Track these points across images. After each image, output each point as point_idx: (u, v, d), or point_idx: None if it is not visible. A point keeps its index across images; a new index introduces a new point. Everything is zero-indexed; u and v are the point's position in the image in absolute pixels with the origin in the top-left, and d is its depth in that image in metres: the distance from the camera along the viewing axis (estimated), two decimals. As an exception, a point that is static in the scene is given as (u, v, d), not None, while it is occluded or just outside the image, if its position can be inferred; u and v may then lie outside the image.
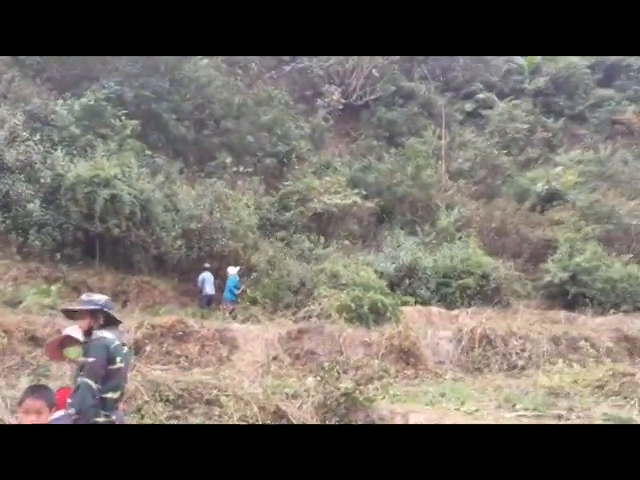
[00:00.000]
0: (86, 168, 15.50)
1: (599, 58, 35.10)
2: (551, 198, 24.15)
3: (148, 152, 18.92)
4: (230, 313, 15.20)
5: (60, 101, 18.21)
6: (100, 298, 4.73)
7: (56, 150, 16.18)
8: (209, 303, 16.29)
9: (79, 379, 4.38)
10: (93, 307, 4.61)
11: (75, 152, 16.61)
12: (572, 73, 32.52)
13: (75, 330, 4.74)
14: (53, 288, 13.19)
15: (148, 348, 11.32)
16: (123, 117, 18.52)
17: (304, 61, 29.48)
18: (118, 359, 4.49)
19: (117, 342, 4.55)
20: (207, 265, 16.42)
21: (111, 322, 4.68)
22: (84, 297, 4.77)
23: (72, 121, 17.73)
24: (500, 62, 35.26)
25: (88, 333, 4.57)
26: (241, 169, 20.88)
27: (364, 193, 21.81)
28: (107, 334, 4.53)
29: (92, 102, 18.23)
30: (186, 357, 11.40)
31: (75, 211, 15.07)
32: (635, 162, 26.94)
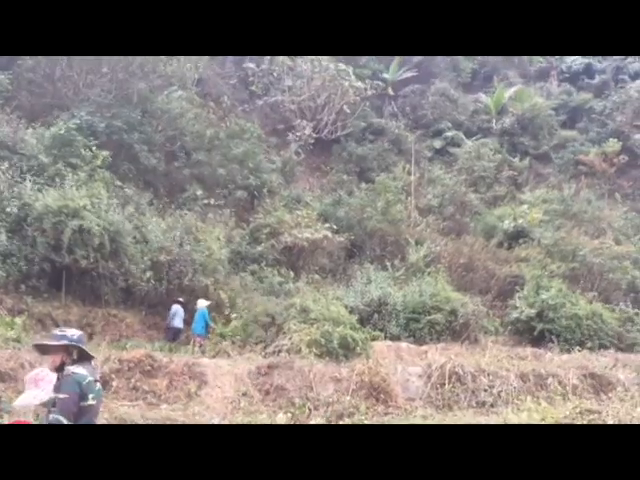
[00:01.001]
0: (54, 198, 15.29)
1: (562, 100, 36.38)
2: (517, 235, 24.60)
3: (118, 183, 18.78)
4: (199, 347, 14.99)
5: (30, 130, 18.05)
6: (74, 333, 4.64)
7: (24, 179, 15.96)
8: (176, 337, 16.05)
9: (51, 416, 4.26)
10: (66, 342, 4.51)
11: (43, 182, 16.40)
12: (537, 114, 33.52)
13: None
14: (17, 320, 12.87)
15: (115, 383, 11.06)
16: (94, 147, 18.38)
17: (276, 95, 29.84)
18: (90, 396, 4.39)
19: (90, 378, 4.45)
20: (180, 299, 16.23)
21: (84, 357, 4.58)
22: (57, 332, 4.67)
23: (41, 150, 17.55)
24: (467, 101, 36.21)
25: (60, 369, 4.47)
26: (212, 202, 20.84)
27: (335, 227, 21.92)
28: (80, 370, 4.43)
29: (62, 131, 18.08)
30: (154, 393, 11.17)
31: (42, 242, 14.79)
32: (598, 202, 27.72)
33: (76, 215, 15.21)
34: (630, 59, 39.01)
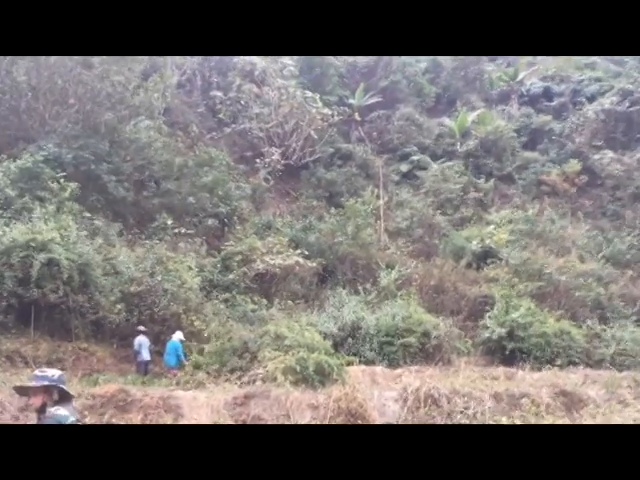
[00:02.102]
0: (22, 232, 15.09)
1: (523, 122, 37.39)
2: (486, 256, 25.03)
3: (87, 214, 18.63)
4: (173, 379, 14.81)
5: (-5, 163, 17.83)
6: (54, 373, 4.61)
7: (-10, 213, 15.72)
8: (146, 370, 15.79)
9: None
10: (47, 383, 4.49)
11: (10, 215, 16.19)
12: (499, 137, 34.36)
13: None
14: (-15, 358, 12.56)
15: (88, 420, 10.84)
16: (61, 179, 18.22)
17: (244, 122, 30.04)
18: None
19: (72, 418, 4.42)
20: (142, 328, 15.94)
21: (65, 398, 4.56)
22: (37, 372, 4.64)
23: (7, 183, 17.33)
24: (432, 125, 36.96)
25: (42, 410, 4.43)
26: (182, 230, 20.78)
27: (306, 253, 22.02)
28: (61, 411, 4.40)
29: (29, 164, 17.92)
30: (128, 428, 10.98)
31: (10, 276, 14.53)
32: (561, 221, 28.43)
33: (44, 248, 15.02)
34: (586, 81, 40.41)
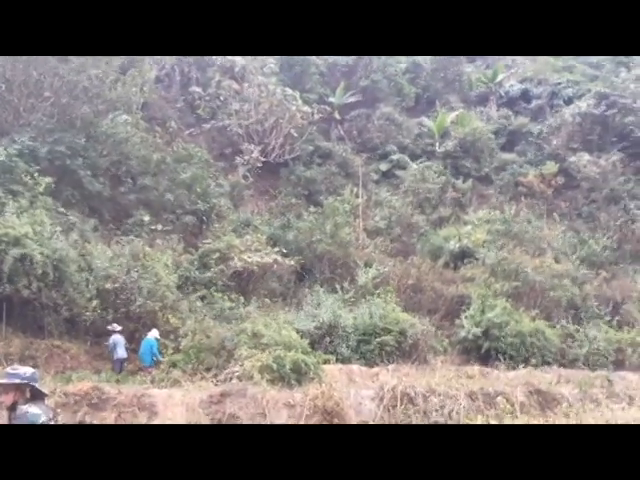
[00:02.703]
0: (-6, 226, 14.80)
1: (501, 124, 37.73)
2: (463, 255, 25.21)
3: (61, 209, 18.35)
4: (148, 377, 14.66)
5: (-33, 156, 17.46)
6: (26, 371, 4.53)
7: (-38, 207, 15.40)
8: (122, 367, 15.63)
9: None
10: (19, 381, 4.40)
11: (-18, 209, 15.86)
12: (478, 138, 34.62)
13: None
14: (-46, 355, 12.30)
15: (60, 418, 10.65)
16: (35, 173, 17.90)
17: (223, 119, 29.85)
18: None
19: (44, 417, 4.34)
20: (117, 328, 15.74)
21: (37, 396, 4.47)
22: (9, 370, 4.55)
23: (-20, 177, 16.99)
24: (411, 125, 37.10)
25: (13, 408, 4.34)
26: (159, 227, 20.61)
27: (284, 251, 21.95)
28: (33, 409, 4.32)
29: (3, 157, 17.61)
30: (101, 427, 10.84)
31: (-19, 271, 14.25)
32: (537, 222, 28.73)
33: (17, 243, 14.75)
34: (563, 84, 40.91)
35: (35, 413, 4.31)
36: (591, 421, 10.03)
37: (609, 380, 16.26)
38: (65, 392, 11.31)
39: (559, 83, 41.32)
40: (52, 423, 4.50)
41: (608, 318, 22.46)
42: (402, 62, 41.09)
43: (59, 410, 10.91)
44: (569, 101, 38.21)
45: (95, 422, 10.91)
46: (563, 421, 10.37)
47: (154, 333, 15.75)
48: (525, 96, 40.94)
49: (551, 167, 32.50)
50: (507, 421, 11.72)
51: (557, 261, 25.44)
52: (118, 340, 15.53)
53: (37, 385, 4.53)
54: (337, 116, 34.77)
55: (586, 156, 32.75)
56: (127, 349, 15.83)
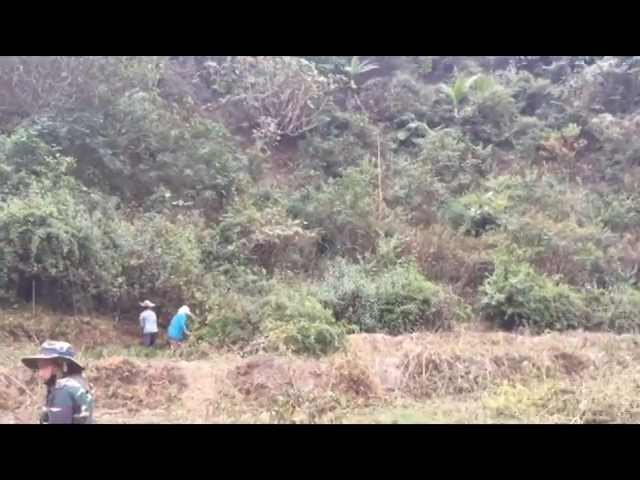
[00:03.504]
0: (20, 207, 15.00)
1: (521, 87, 37.04)
2: (484, 222, 25.05)
3: (84, 188, 18.52)
4: (175, 351, 14.96)
5: (-11, 138, 17.66)
6: (62, 345, 4.65)
7: (-13, 189, 15.63)
8: (152, 341, 15.96)
9: None
10: (56, 355, 4.52)
11: (7, 191, 16.10)
12: (497, 102, 34.07)
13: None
14: (-12, 333, 12.62)
15: (93, 392, 10.94)
16: (57, 153, 18.06)
17: (239, 93, 29.72)
18: (83, 407, 4.40)
19: (82, 390, 4.47)
20: (149, 304, 16.07)
21: (74, 370, 4.60)
22: (46, 345, 4.68)
23: (3, 159, 17.21)
24: (429, 92, 36.59)
25: (51, 382, 4.48)
26: (180, 203, 20.72)
27: (305, 223, 22.00)
28: (71, 382, 4.44)
29: (24, 138, 17.75)
30: (134, 399, 11.11)
31: (9, 252, 14.48)
32: (559, 186, 28.35)
33: (43, 223, 14.95)
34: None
35: (74, 386, 4.44)
36: (619, 382, 10.03)
37: (635, 342, 16.19)
38: (97, 367, 11.57)
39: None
40: (89, 396, 4.63)
41: (633, 280, 22.28)
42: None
43: (91, 384, 11.20)
44: (590, 61, 37.27)
45: (127, 395, 11.19)
46: (590, 383, 10.38)
47: (185, 309, 16.03)
48: (545, 57, 39.94)
49: (573, 129, 31.91)
50: (533, 385, 11.79)
51: (580, 225, 25.17)
52: (148, 315, 15.86)
53: (74, 359, 4.65)
54: (353, 85, 34.37)
55: (609, 117, 32.11)
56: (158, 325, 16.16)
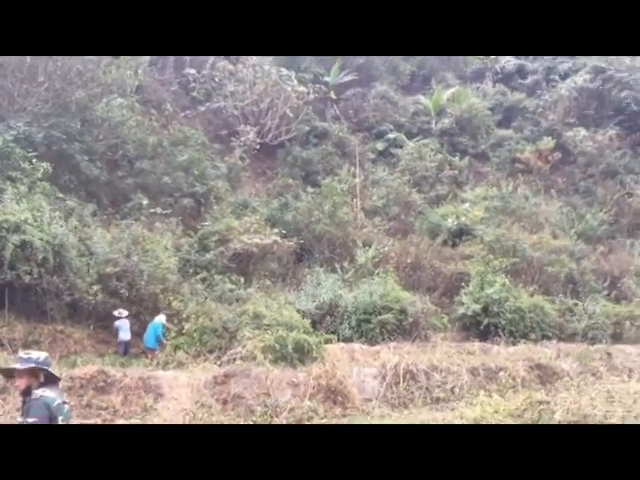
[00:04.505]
0: (-6, 213, 14.79)
1: (497, 100, 37.55)
2: (461, 233, 25.27)
3: (60, 195, 18.33)
4: (151, 360, 14.81)
5: (-36, 143, 17.37)
6: (39, 355, 4.59)
7: (-40, 194, 15.36)
8: (126, 350, 15.77)
9: None
10: (33, 365, 4.45)
11: (-19, 196, 15.83)
12: (474, 115, 34.47)
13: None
14: (-41, 342, 12.36)
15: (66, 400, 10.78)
16: (33, 159, 17.84)
17: (219, 101, 29.67)
18: (60, 418, 4.35)
19: (58, 401, 4.41)
20: (124, 313, 15.89)
21: (51, 380, 4.53)
22: (22, 355, 4.61)
23: (-23, 164, 16.92)
24: (407, 103, 36.90)
25: (27, 392, 4.40)
26: (158, 210, 20.58)
27: (283, 232, 22.00)
28: (48, 393, 4.38)
29: (-1, 144, 17.50)
30: (109, 409, 10.96)
31: (-18, 258, 14.27)
32: (535, 198, 28.76)
33: (17, 230, 14.77)
34: (560, 59, 40.68)
35: (50, 397, 4.38)
36: (593, 393, 10.18)
37: (609, 353, 16.44)
38: (71, 376, 11.40)
39: (555, 58, 41.03)
40: (66, 406, 4.57)
41: (606, 292, 22.65)
42: (397, 39, 40.66)
43: (65, 394, 11.02)
44: (565, 76, 37.98)
45: (102, 405, 11.04)
46: (564, 394, 10.51)
47: (161, 318, 15.90)
48: (521, 72, 40.68)
49: (548, 143, 32.42)
50: (509, 395, 11.89)
51: (555, 237, 25.56)
52: (122, 324, 15.69)
53: (50, 369, 4.59)
54: (333, 96, 34.52)
55: (582, 131, 32.68)
56: (131, 332, 15.97)
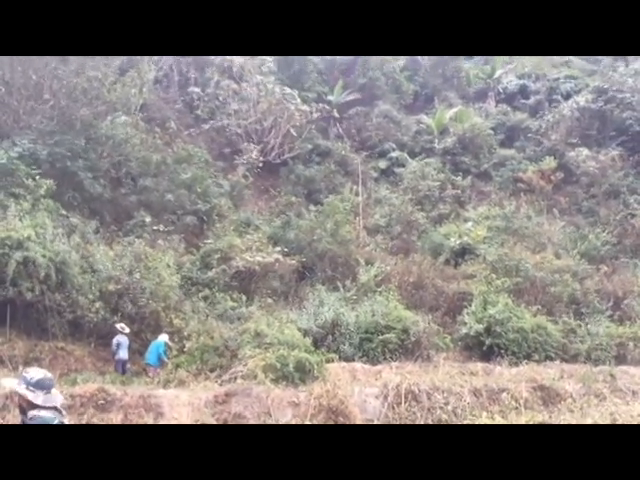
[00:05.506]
0: (-3, 229, 14.84)
1: (500, 120, 37.73)
2: (463, 252, 25.23)
3: (63, 212, 18.39)
4: (152, 377, 14.74)
5: (-32, 160, 17.49)
6: (33, 376, 4.53)
7: (-36, 211, 15.43)
8: (124, 369, 15.65)
9: None
10: (24, 386, 4.42)
11: (-16, 213, 15.89)
12: (476, 134, 34.62)
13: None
14: (-40, 358, 12.34)
15: (66, 420, 10.70)
16: (37, 176, 17.93)
17: (222, 119, 29.87)
18: None
19: (57, 420, 4.37)
20: (126, 329, 15.80)
21: (49, 399, 4.49)
22: (24, 373, 4.57)
23: (-19, 180, 17.01)
24: (410, 122, 37.10)
25: (23, 412, 4.37)
26: (161, 228, 20.64)
27: (285, 250, 22.00)
28: (43, 413, 4.33)
29: (4, 160, 17.63)
30: (108, 428, 10.89)
31: (-16, 275, 14.29)
32: (537, 217, 28.74)
33: (20, 246, 14.81)
34: (562, 79, 40.94)
35: (45, 417, 4.33)
36: (596, 416, 10.09)
37: (612, 375, 16.30)
38: (71, 394, 11.34)
39: (557, 78, 41.34)
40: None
41: (609, 313, 22.47)
42: (400, 59, 41.07)
43: (64, 412, 10.95)
44: (567, 96, 38.18)
45: (102, 423, 10.96)
46: (567, 416, 10.42)
47: (164, 337, 15.85)
48: (523, 92, 40.93)
49: (550, 163, 32.48)
50: (512, 417, 11.80)
51: (558, 256, 25.45)
52: (122, 341, 15.57)
53: (37, 391, 4.54)
54: (336, 114, 34.76)
55: (585, 151, 32.75)
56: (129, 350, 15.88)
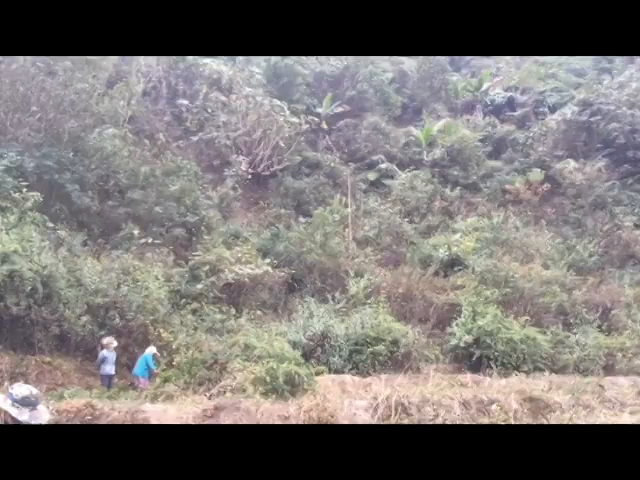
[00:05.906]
0: (-17, 243, 14.70)
1: (487, 132, 38.04)
2: (452, 263, 25.29)
3: (50, 224, 18.25)
4: (139, 390, 14.60)
5: (-46, 172, 17.35)
6: (18, 392, 4.48)
7: (-51, 224, 15.28)
8: (110, 384, 15.46)
9: None
10: (9, 402, 4.36)
11: (-30, 226, 15.74)
12: (464, 146, 34.86)
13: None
14: (-57, 374, 12.15)
15: (52, 436, 10.56)
16: (24, 189, 17.81)
17: (211, 131, 29.87)
18: None
19: None
20: (114, 343, 15.62)
21: (35, 415, 4.43)
22: (10, 390, 4.51)
23: (-33, 193, 16.87)
24: (399, 134, 37.31)
25: None
26: (149, 240, 20.52)
27: (274, 262, 21.96)
28: None
29: (-10, 173, 17.48)
30: (95, 444, 10.73)
31: (-30, 289, 14.14)
32: (525, 229, 28.91)
33: (6, 260, 14.67)
34: (548, 92, 41.37)
35: None
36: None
37: (601, 386, 16.33)
38: (57, 409, 11.17)
39: (543, 91, 41.80)
40: None
41: (597, 323, 22.59)
42: (388, 71, 41.38)
43: (51, 428, 10.80)
44: (554, 108, 38.61)
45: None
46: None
47: (152, 349, 15.72)
48: (510, 104, 41.33)
49: (537, 174, 32.76)
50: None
51: (546, 267, 25.58)
52: (109, 356, 15.38)
53: (20, 407, 4.48)
54: (324, 126, 34.88)
55: (572, 163, 33.07)
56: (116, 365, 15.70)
